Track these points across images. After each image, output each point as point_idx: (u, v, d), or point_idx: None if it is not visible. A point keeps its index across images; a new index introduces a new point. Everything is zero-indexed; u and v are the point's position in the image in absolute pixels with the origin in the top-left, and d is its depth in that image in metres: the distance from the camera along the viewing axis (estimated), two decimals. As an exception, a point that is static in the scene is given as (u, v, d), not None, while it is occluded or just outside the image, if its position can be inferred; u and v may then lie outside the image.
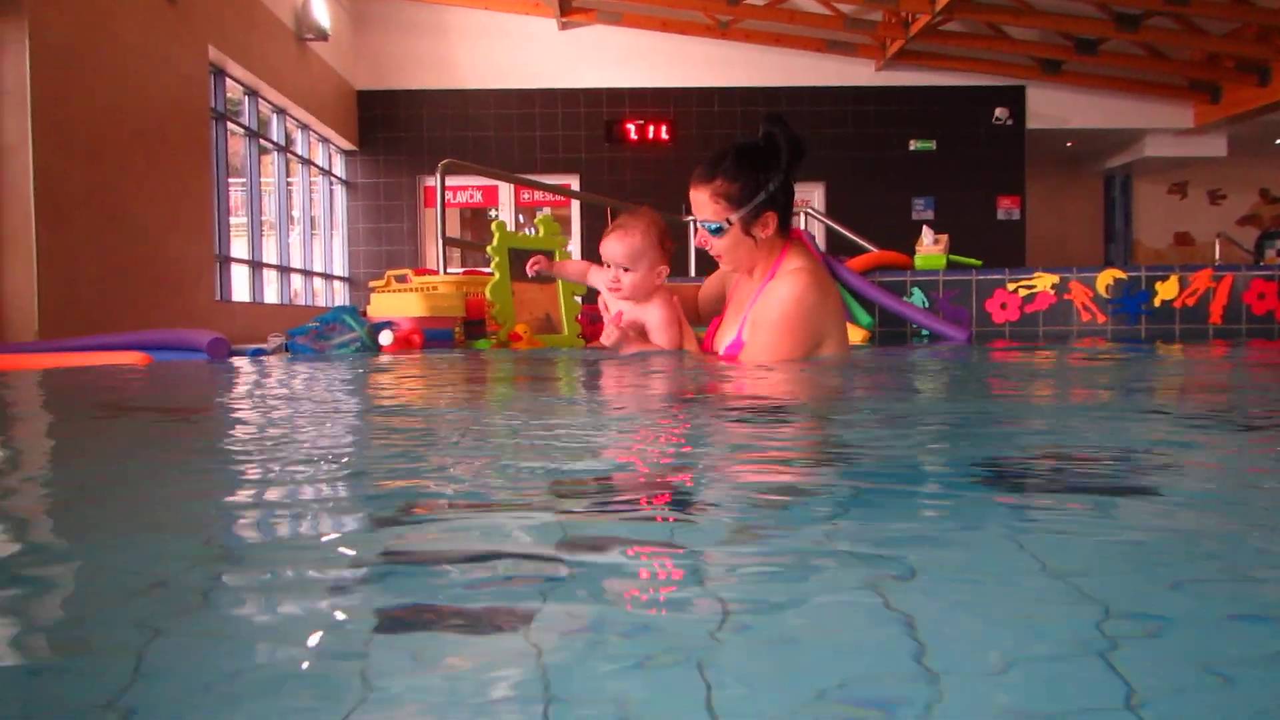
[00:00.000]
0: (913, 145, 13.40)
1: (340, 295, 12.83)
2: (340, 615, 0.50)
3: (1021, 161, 13.52)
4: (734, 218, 2.49)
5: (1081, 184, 16.45)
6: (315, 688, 0.41)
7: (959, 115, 13.36)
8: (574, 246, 13.12)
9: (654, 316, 2.74)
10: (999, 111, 13.36)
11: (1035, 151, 13.95)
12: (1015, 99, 13.41)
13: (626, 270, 2.69)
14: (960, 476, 0.89)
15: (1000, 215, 13.52)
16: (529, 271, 3.05)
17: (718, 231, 2.51)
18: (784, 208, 2.54)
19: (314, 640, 0.46)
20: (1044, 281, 5.17)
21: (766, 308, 2.48)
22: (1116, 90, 13.43)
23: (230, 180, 9.30)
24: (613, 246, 2.70)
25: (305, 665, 0.43)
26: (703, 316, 2.92)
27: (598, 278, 2.83)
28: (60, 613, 0.53)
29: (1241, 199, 16.50)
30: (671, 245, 2.78)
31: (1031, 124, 13.49)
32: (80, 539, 0.71)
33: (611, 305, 2.81)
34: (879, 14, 12.09)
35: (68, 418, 1.67)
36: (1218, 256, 12.95)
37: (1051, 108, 13.53)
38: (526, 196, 13.32)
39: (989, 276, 5.28)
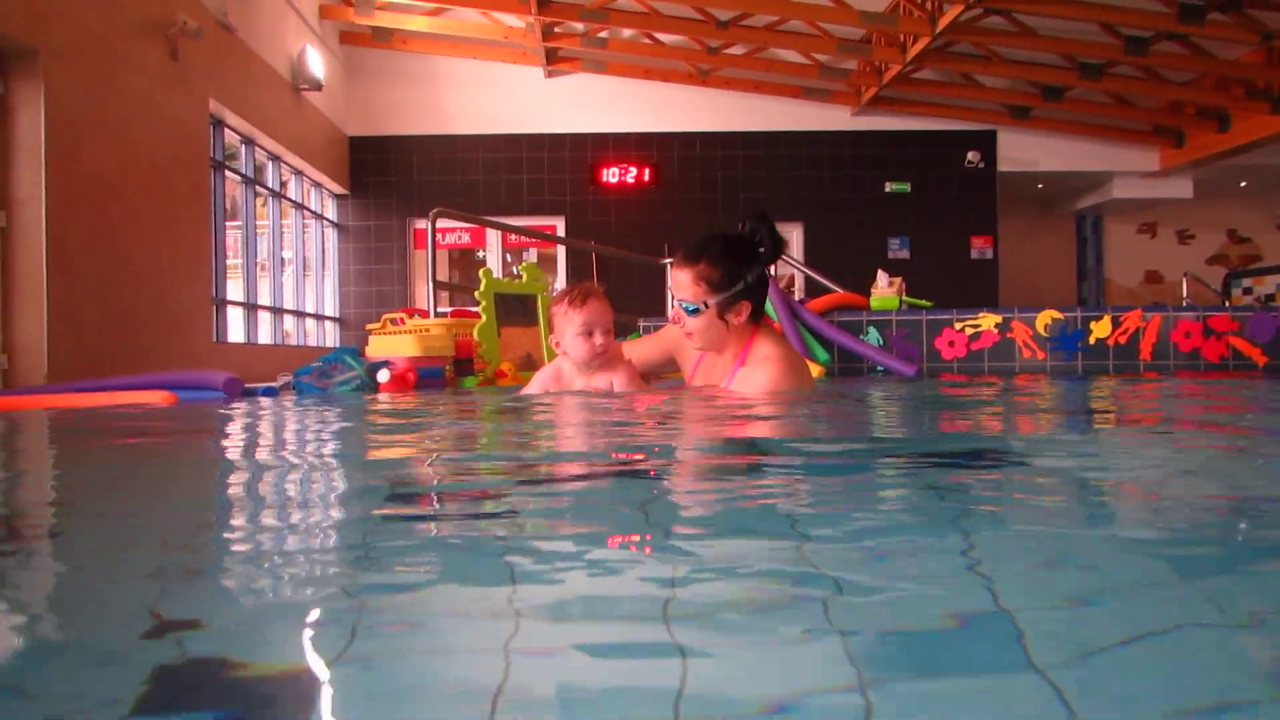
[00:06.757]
0: (888, 187, 13.83)
1: (331, 335, 13.11)
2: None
3: (994, 203, 13.95)
4: (712, 301, 2.62)
5: (1053, 224, 16.89)
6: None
7: (932, 158, 13.81)
8: (559, 286, 13.48)
9: (622, 377, 2.80)
10: (971, 155, 13.81)
11: (1007, 193, 14.39)
12: (986, 143, 13.88)
13: (607, 333, 2.75)
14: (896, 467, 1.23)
15: (974, 255, 13.94)
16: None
17: (695, 312, 2.64)
18: (758, 298, 2.67)
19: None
20: (988, 321, 5.52)
21: (745, 392, 2.60)
22: (1084, 135, 13.91)
23: (226, 224, 9.63)
24: (601, 309, 2.74)
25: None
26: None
27: (576, 350, 2.78)
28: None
29: (1210, 238, 16.97)
30: None
31: (1002, 167, 13.95)
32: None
33: (579, 374, 2.84)
34: (853, 63, 12.60)
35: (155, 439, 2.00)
36: (1185, 295, 13.39)
37: (1021, 151, 14.01)
38: (514, 238, 13.68)
39: (938, 316, 5.63)
